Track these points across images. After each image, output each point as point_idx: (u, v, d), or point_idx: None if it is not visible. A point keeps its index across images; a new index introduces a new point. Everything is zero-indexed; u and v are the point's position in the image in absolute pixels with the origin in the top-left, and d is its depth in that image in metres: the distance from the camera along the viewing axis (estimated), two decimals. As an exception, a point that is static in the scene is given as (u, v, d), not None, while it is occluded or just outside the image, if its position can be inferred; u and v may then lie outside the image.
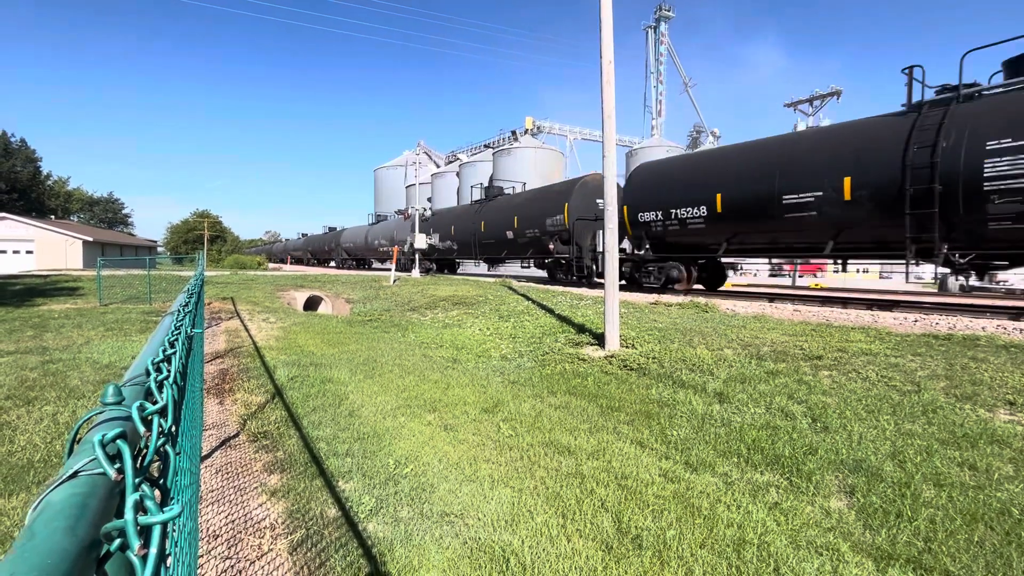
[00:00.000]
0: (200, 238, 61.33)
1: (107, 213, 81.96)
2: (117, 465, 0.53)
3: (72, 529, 0.42)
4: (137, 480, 0.53)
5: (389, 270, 22.56)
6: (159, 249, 66.94)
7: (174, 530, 1.13)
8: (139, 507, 0.48)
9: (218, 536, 3.18)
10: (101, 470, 0.51)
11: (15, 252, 38.39)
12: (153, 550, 0.45)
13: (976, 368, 5.35)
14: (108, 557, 0.45)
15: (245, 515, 3.43)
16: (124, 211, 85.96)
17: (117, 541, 0.45)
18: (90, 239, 41.59)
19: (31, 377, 6.55)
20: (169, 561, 0.91)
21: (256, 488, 3.80)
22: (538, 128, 45.47)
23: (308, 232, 59.08)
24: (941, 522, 3.21)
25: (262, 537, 3.17)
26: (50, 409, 5.38)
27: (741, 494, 3.68)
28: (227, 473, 4.07)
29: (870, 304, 9.98)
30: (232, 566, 2.90)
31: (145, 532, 0.49)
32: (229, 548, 3.06)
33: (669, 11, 55.19)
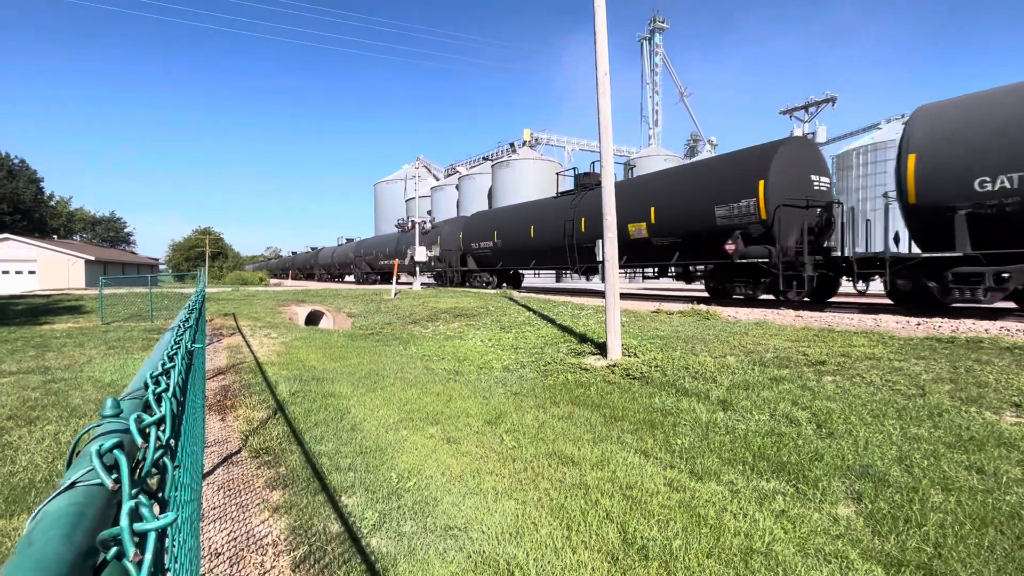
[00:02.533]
0: (202, 255, 61.59)
1: (109, 232, 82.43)
2: (114, 475, 0.53)
3: (69, 537, 0.42)
4: (134, 490, 0.53)
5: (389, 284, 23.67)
6: (161, 267, 67.19)
7: (174, 546, 1.13)
8: (135, 515, 0.48)
9: (220, 554, 3.15)
10: (98, 480, 0.51)
11: (18, 272, 38.59)
12: (148, 556, 0.45)
13: (981, 370, 5.33)
14: (105, 565, 0.45)
15: (247, 532, 3.40)
16: (126, 230, 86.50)
17: (113, 549, 0.45)
18: (92, 258, 41.79)
19: (33, 397, 6.54)
20: (168, 576, 0.91)
21: (258, 505, 3.77)
22: (536, 140, 45.83)
23: (298, 250, 64.58)
24: (951, 527, 3.17)
25: (264, 554, 3.14)
26: (52, 428, 5.37)
27: (747, 502, 3.64)
28: (229, 490, 4.05)
29: (870, 308, 9.96)
30: (234, 584, 2.87)
31: (143, 541, 0.49)
32: (231, 566, 3.03)
33: (663, 22, 55.92)
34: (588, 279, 19.40)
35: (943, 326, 7.44)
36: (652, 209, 13.78)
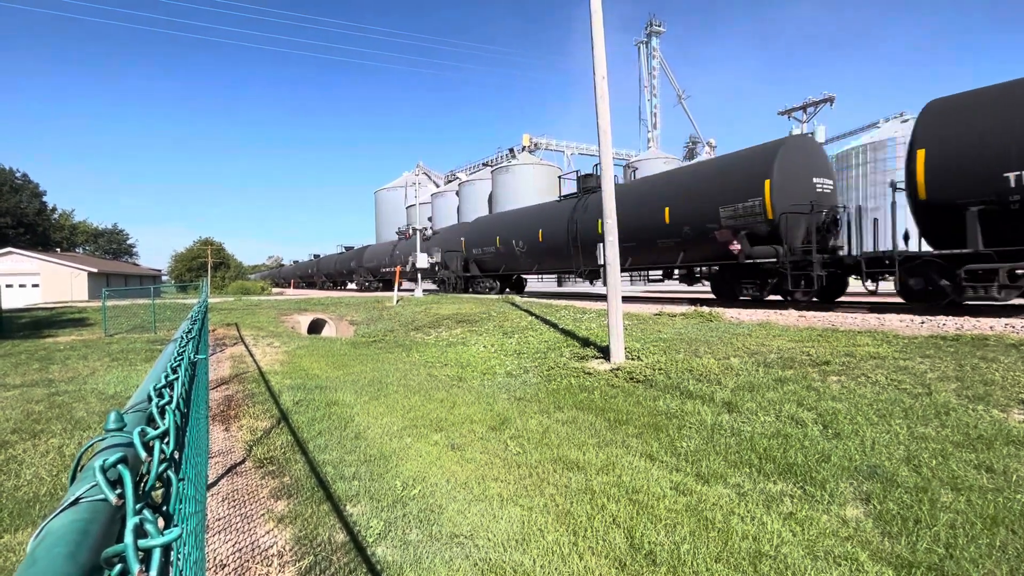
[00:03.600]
0: (204, 265, 61.75)
1: (112, 244, 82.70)
2: (118, 491, 0.52)
3: (73, 555, 0.42)
4: (138, 505, 0.53)
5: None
6: (163, 278, 67.33)
7: (179, 559, 1.12)
8: (139, 531, 0.48)
9: (225, 565, 3.13)
10: (102, 496, 0.51)
11: (21, 286, 38.69)
12: (153, 573, 0.44)
13: (987, 368, 5.29)
14: (109, 583, 0.44)
15: (252, 543, 3.38)
16: (129, 242, 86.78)
17: (118, 566, 0.44)
18: (95, 270, 41.91)
19: (37, 410, 6.54)
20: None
21: (263, 515, 3.76)
22: (535, 145, 45.94)
23: (299, 259, 58.08)
24: (961, 527, 3.14)
25: (270, 565, 3.13)
26: (56, 442, 5.36)
27: (755, 505, 3.62)
28: (234, 500, 4.03)
29: (874, 307, 9.91)
30: (240, 596, 2.85)
31: (148, 557, 0.48)
32: (236, 577, 3.02)
33: (660, 26, 56.20)
34: (592, 283, 18.76)
35: (947, 324, 7.40)
36: (667, 208, 13.05)
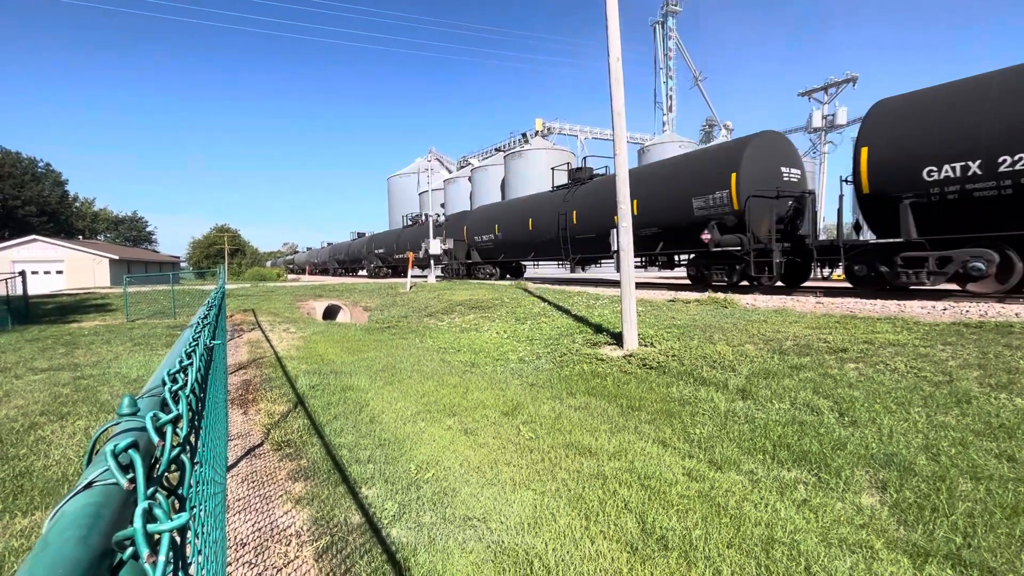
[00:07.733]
0: (221, 252, 62.64)
1: (132, 232, 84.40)
2: (130, 475, 0.53)
3: (85, 539, 0.42)
4: (151, 490, 0.53)
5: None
6: (182, 264, 68.57)
7: (197, 539, 1.15)
8: (149, 516, 0.48)
9: (245, 544, 3.22)
10: (114, 480, 0.52)
11: (46, 272, 39.74)
12: (161, 558, 0.45)
13: (1011, 356, 5.16)
14: (121, 565, 0.45)
15: (271, 523, 3.47)
16: (148, 229, 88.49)
17: (130, 549, 0.45)
18: (116, 257, 42.84)
19: (64, 393, 6.75)
20: (192, 570, 0.92)
21: (281, 496, 3.85)
22: (548, 129, 45.44)
23: (333, 241, 56.90)
24: (980, 516, 3.09)
25: (288, 544, 3.21)
26: (82, 423, 5.54)
27: (768, 492, 3.60)
28: (253, 482, 4.14)
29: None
30: (259, 574, 2.93)
31: (158, 541, 0.49)
32: (256, 556, 3.10)
33: (676, 6, 54.76)
34: (584, 269, 19.71)
35: (971, 311, 7.22)
36: (635, 201, 13.39)
